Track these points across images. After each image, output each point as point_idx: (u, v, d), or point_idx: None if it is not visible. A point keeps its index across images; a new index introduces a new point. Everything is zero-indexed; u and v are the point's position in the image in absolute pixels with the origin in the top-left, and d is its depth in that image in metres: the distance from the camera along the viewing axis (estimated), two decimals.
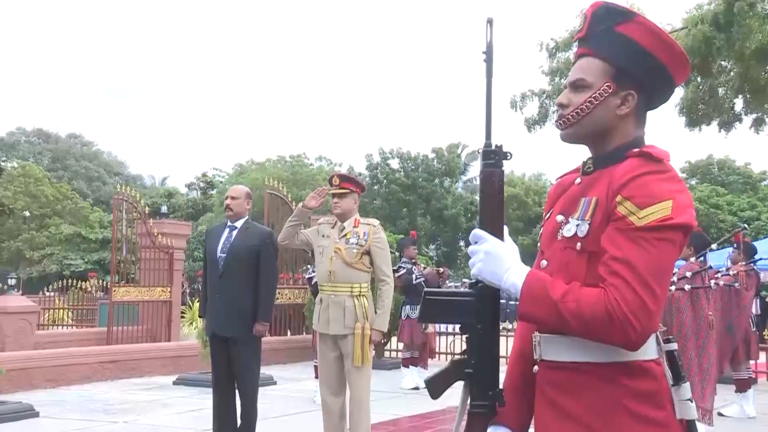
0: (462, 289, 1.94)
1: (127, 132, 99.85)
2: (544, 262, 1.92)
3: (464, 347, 1.93)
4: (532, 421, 1.96)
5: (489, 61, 1.94)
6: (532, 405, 1.91)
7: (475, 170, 53.56)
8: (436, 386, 1.92)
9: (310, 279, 9.11)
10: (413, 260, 10.33)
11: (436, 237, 47.97)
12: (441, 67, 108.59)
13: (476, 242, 1.87)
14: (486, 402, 1.87)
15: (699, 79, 14.24)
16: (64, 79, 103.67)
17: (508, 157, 1.96)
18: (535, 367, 1.90)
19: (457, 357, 1.96)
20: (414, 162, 46.64)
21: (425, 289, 1.98)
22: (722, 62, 13.60)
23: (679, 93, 16.10)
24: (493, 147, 1.94)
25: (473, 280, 1.91)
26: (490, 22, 1.93)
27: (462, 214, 47.60)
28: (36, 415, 7.38)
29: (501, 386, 1.91)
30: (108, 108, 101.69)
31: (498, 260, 1.82)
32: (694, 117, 15.17)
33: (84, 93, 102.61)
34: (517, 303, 1.83)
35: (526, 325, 2.00)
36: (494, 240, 1.86)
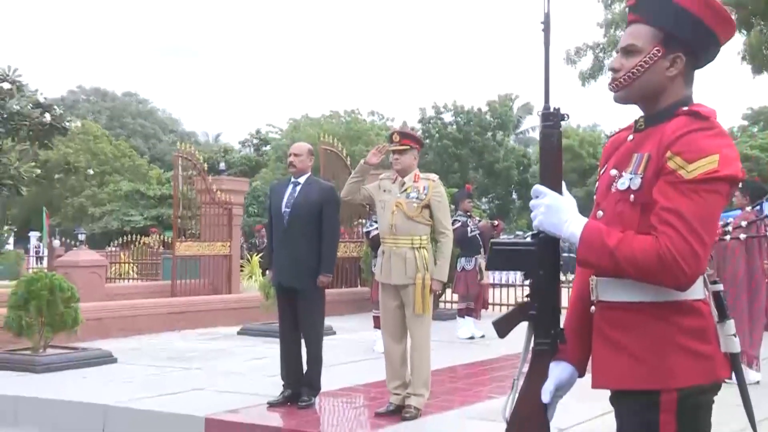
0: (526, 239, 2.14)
1: (181, 89, 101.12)
2: (600, 213, 2.09)
3: (527, 293, 2.15)
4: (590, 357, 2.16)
5: (547, 30, 2.10)
6: (590, 343, 2.09)
7: (527, 122, 53.12)
8: (503, 326, 2.13)
9: (368, 233, 9.35)
10: (468, 213, 10.48)
11: (488, 190, 47.87)
12: (494, 18, 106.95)
13: (537, 197, 2.06)
14: (548, 340, 2.09)
15: (762, 23, 13.92)
16: (121, 37, 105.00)
17: (566, 119, 2.14)
18: (593, 308, 2.08)
19: (522, 300, 2.16)
20: (467, 116, 46.39)
21: (492, 240, 2.19)
22: None
23: (740, 40, 15.77)
24: (552, 109, 2.11)
25: (535, 231, 2.11)
26: None
27: (514, 167, 47.35)
28: (114, 361, 7.83)
29: (561, 326, 2.12)
30: (162, 65, 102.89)
31: (558, 212, 2.01)
32: (759, 63, 14.86)
33: (139, 51, 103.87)
34: (574, 253, 2.03)
35: (583, 271, 2.17)
36: (554, 194, 2.04)
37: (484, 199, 47.52)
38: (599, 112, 79.35)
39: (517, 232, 35.41)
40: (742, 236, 6.84)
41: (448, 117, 47.07)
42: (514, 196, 51.03)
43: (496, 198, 49.16)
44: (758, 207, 7.30)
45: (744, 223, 6.92)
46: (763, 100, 46.34)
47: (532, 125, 54.24)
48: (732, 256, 6.80)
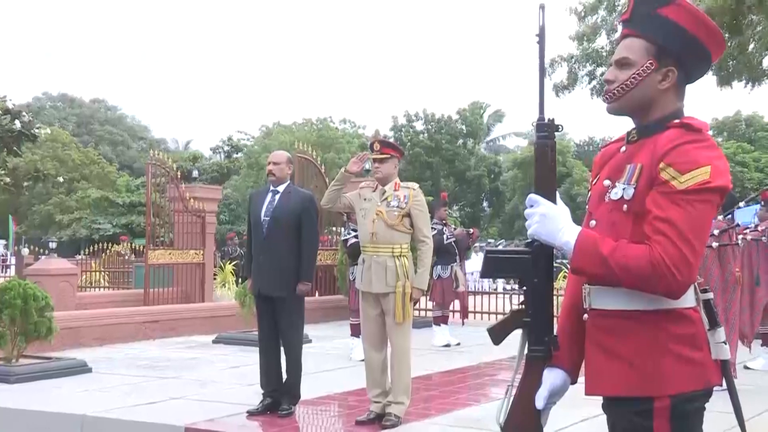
0: (520, 248, 2.17)
1: (150, 96, 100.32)
2: (592, 222, 2.13)
3: (514, 302, 2.18)
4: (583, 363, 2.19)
5: (541, 43, 2.16)
6: (583, 349, 2.13)
7: (497, 131, 53.53)
8: (497, 333, 2.17)
9: (345, 241, 9.35)
10: (444, 221, 10.53)
11: (459, 198, 48.11)
12: (465, 27, 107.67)
13: (532, 206, 2.09)
14: (542, 347, 2.12)
15: (728, 35, 14.17)
16: (89, 43, 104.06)
17: (560, 130, 2.19)
18: (585, 315, 2.12)
19: (516, 308, 2.19)
20: (438, 124, 46.62)
21: (487, 248, 2.22)
22: (752, 16, 13.55)
23: None
24: (546, 120, 2.15)
25: (529, 240, 2.14)
26: (542, 7, 2.14)
27: (485, 175, 47.65)
28: (89, 370, 7.72)
29: (555, 333, 2.15)
30: (130, 72, 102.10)
31: (552, 221, 2.05)
32: (725, 74, 15.15)
33: (107, 57, 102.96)
34: (568, 260, 2.07)
35: (575, 279, 2.21)
36: (548, 203, 2.08)
37: (455, 207, 47.74)
38: (567, 122, 79.91)
39: (489, 240, 35.61)
40: (715, 245, 6.96)
41: (419, 125, 47.28)
42: (485, 203, 51.35)
43: (466, 206, 49.39)
44: (730, 216, 7.43)
45: (716, 232, 7.03)
46: (728, 110, 47.19)
47: (502, 133, 54.71)
48: (705, 264, 6.90)
